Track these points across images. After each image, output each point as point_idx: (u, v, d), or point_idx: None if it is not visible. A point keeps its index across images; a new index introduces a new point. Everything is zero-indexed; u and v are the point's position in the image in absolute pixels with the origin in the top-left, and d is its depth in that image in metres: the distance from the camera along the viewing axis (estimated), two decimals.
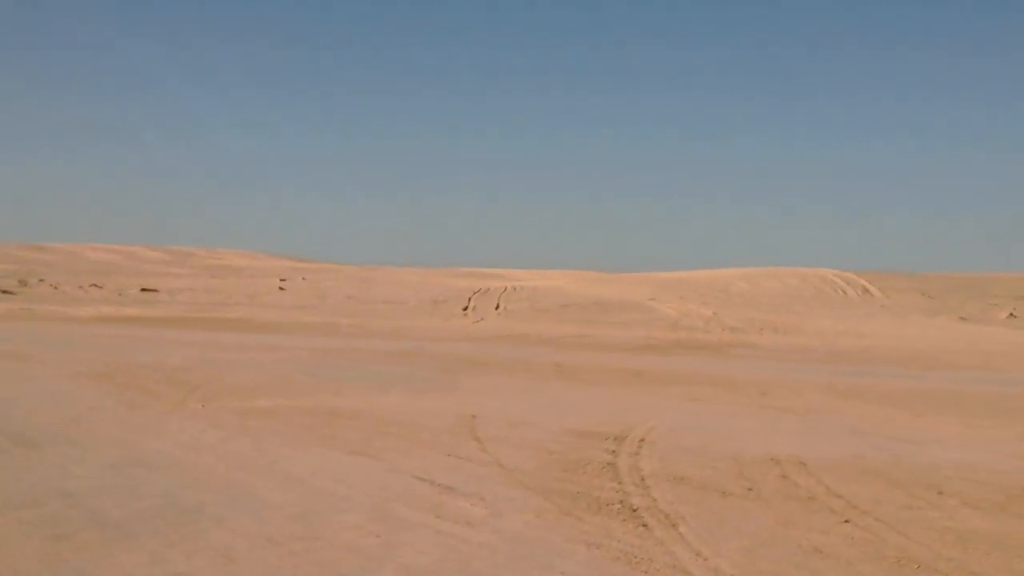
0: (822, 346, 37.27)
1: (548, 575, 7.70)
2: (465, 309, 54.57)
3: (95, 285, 67.36)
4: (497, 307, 55.34)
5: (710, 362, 29.24)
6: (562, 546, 8.46)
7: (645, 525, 9.17)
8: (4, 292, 60.85)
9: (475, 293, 62.05)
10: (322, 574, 7.59)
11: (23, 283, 67.80)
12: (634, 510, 9.73)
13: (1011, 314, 59.92)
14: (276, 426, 14.75)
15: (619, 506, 9.88)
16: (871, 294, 70.37)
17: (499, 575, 7.66)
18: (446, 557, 8.07)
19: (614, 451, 13.09)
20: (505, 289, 65.22)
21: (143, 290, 64.23)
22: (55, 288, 65.46)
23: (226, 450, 12.71)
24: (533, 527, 9.04)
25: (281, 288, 67.09)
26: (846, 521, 9.35)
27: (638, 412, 17.20)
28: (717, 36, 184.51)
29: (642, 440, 14.05)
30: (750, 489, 10.82)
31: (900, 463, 12.77)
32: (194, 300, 58.01)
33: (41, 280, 71.25)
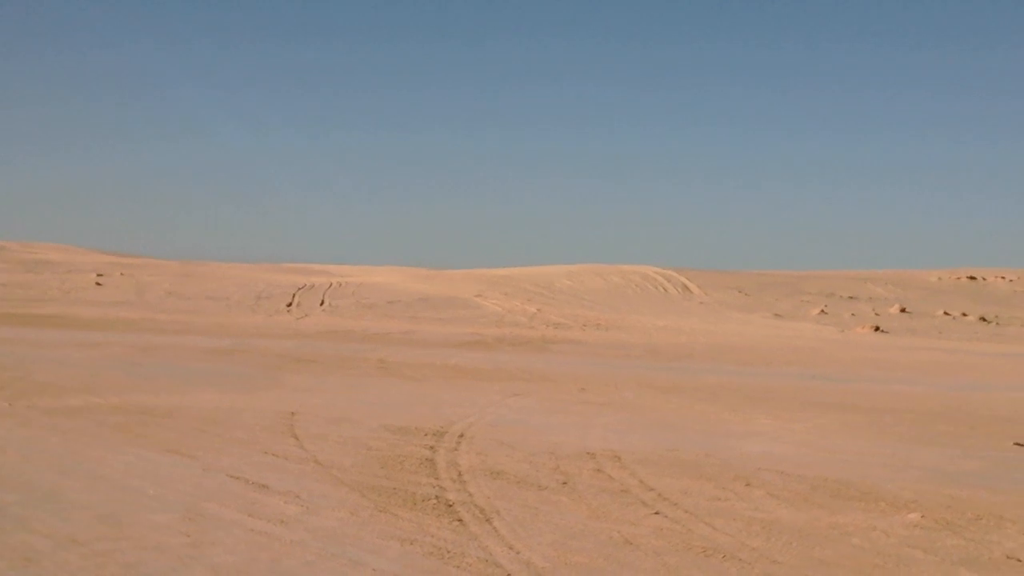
0: (642, 342, 38.04)
1: (359, 572, 7.62)
2: (289, 305, 53.79)
3: None
4: (322, 303, 54.73)
5: (533, 358, 29.52)
6: (375, 542, 8.40)
7: (460, 520, 9.18)
8: None
9: (299, 289, 61.25)
10: (127, 575, 7.36)
11: None
12: (450, 505, 9.74)
13: (822, 311, 62.30)
14: (87, 425, 14.25)
15: (435, 501, 9.87)
16: (690, 291, 72.15)
17: (309, 573, 7.55)
18: (256, 556, 7.92)
19: (433, 447, 13.08)
20: (331, 285, 64.57)
21: None
22: None
23: (32, 450, 12.21)
24: (347, 524, 8.95)
25: (98, 283, 65.00)
26: (656, 513, 9.55)
27: (460, 408, 17.24)
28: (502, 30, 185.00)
29: (461, 435, 14.08)
30: (565, 483, 10.95)
31: (712, 456, 13.11)
32: (5, 296, 55.68)
33: None
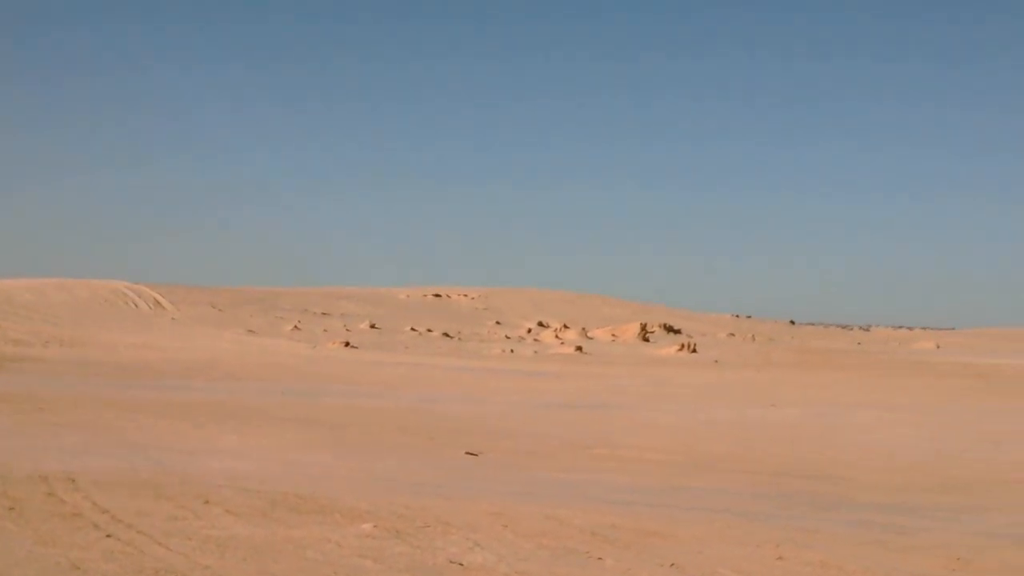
0: (110, 359, 36.57)
1: None
2: None
3: None
4: None
5: None
6: None
7: None
8: None
9: None
10: None
11: None
12: None
13: (295, 327, 63.13)
14: None
15: None
16: (163, 307, 70.48)
17: None
18: None
19: None
20: None
21: None
22: None
23: None
24: None
25: None
26: (108, 536, 9.15)
27: None
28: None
29: None
30: (12, 508, 10.23)
31: (173, 475, 12.81)
32: None
33: None
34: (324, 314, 76.87)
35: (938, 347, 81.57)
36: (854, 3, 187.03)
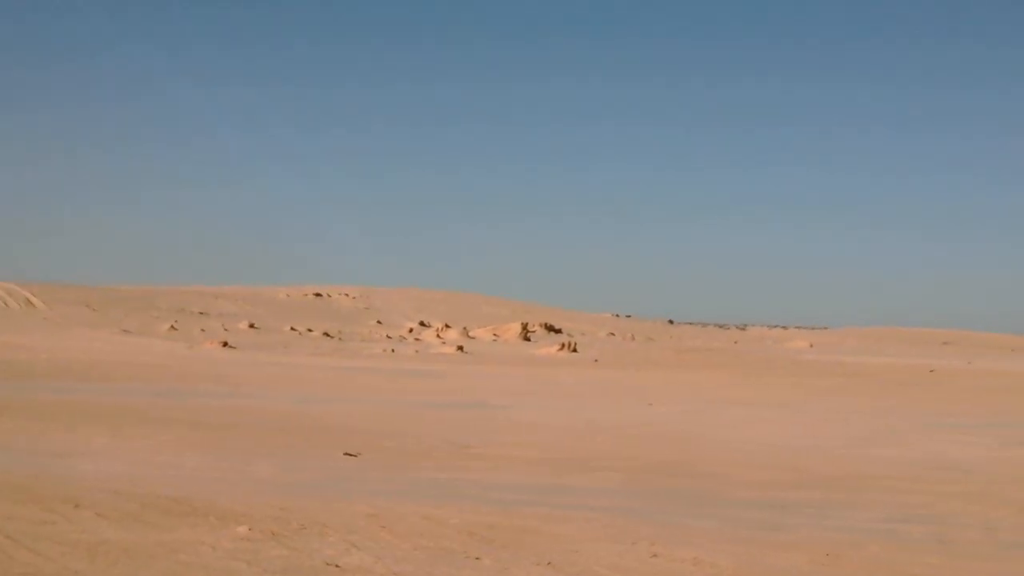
0: None
1: None
2: None
3: None
4: None
5: None
6: None
7: None
8: None
9: None
10: None
11: None
12: None
13: (172, 327, 62.02)
14: None
15: None
16: (34, 306, 68.64)
17: None
18: None
19: None
20: None
21: None
22: None
23: None
24: None
25: None
26: None
27: None
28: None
29: None
30: None
31: (43, 477, 12.50)
32: None
33: None
34: (202, 313, 75.70)
35: (811, 346, 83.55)
36: None
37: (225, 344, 51.17)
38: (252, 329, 66.13)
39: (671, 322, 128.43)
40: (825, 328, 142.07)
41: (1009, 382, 42.31)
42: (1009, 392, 36.89)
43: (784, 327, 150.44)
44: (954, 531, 12.04)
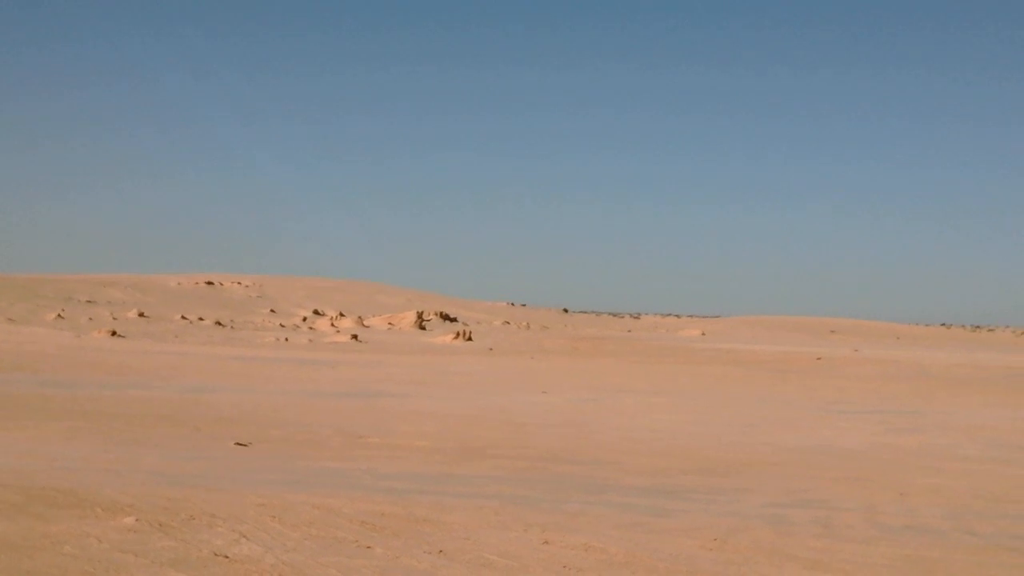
0: None
1: None
2: None
3: None
4: None
5: None
6: None
7: None
8: None
9: None
10: None
11: None
12: None
13: (59, 315, 60.60)
14: None
15: None
16: None
17: None
18: None
19: None
20: None
21: None
22: None
23: None
24: None
25: None
26: None
27: None
28: None
29: None
30: None
31: None
32: None
33: None
34: (89, 302, 74.03)
35: (703, 334, 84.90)
36: None
37: (114, 333, 50.20)
38: (142, 318, 64.90)
39: (566, 311, 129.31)
40: (717, 317, 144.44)
41: (893, 370, 43.49)
42: (893, 379, 37.93)
43: (677, 316, 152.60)
44: (838, 515, 12.35)
